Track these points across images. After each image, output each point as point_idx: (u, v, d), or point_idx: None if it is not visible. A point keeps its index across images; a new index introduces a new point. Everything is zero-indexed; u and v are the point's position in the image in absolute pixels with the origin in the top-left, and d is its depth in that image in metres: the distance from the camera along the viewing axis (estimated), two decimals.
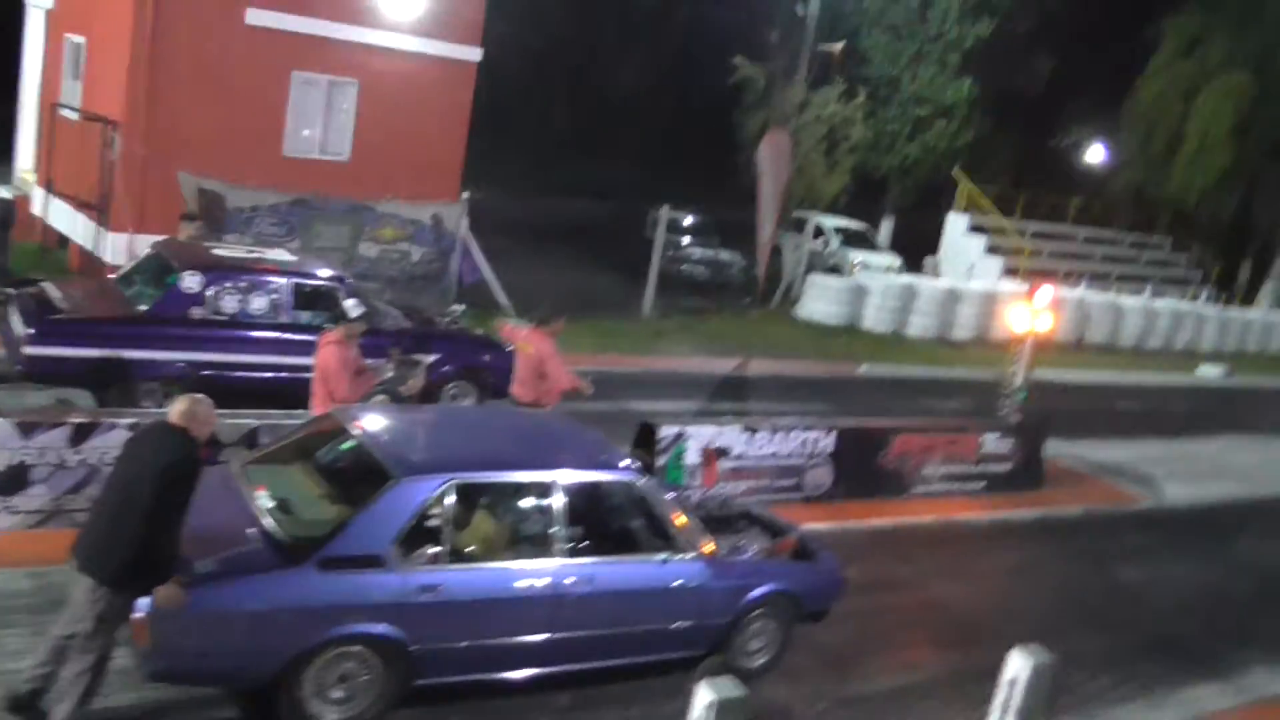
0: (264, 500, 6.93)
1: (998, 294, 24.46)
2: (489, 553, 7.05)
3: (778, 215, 22.42)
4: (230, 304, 11.10)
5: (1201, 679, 9.67)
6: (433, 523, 6.80)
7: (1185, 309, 29.25)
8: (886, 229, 31.13)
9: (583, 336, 16.71)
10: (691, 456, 11.45)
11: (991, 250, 29.46)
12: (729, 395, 15.96)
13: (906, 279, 24.45)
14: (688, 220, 25.63)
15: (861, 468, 12.64)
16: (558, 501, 7.21)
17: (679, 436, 11.40)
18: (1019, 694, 5.14)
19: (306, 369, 9.62)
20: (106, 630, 5.93)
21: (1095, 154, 38.85)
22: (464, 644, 6.80)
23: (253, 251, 12.40)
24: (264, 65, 15.86)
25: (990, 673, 6.07)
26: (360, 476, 7.05)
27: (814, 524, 10.76)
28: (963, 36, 28.89)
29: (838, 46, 26.88)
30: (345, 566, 6.42)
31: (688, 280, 23.87)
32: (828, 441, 12.38)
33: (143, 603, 5.91)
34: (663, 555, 7.53)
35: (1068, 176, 38.48)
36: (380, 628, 6.47)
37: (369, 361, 9.42)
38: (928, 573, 11.03)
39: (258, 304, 11.22)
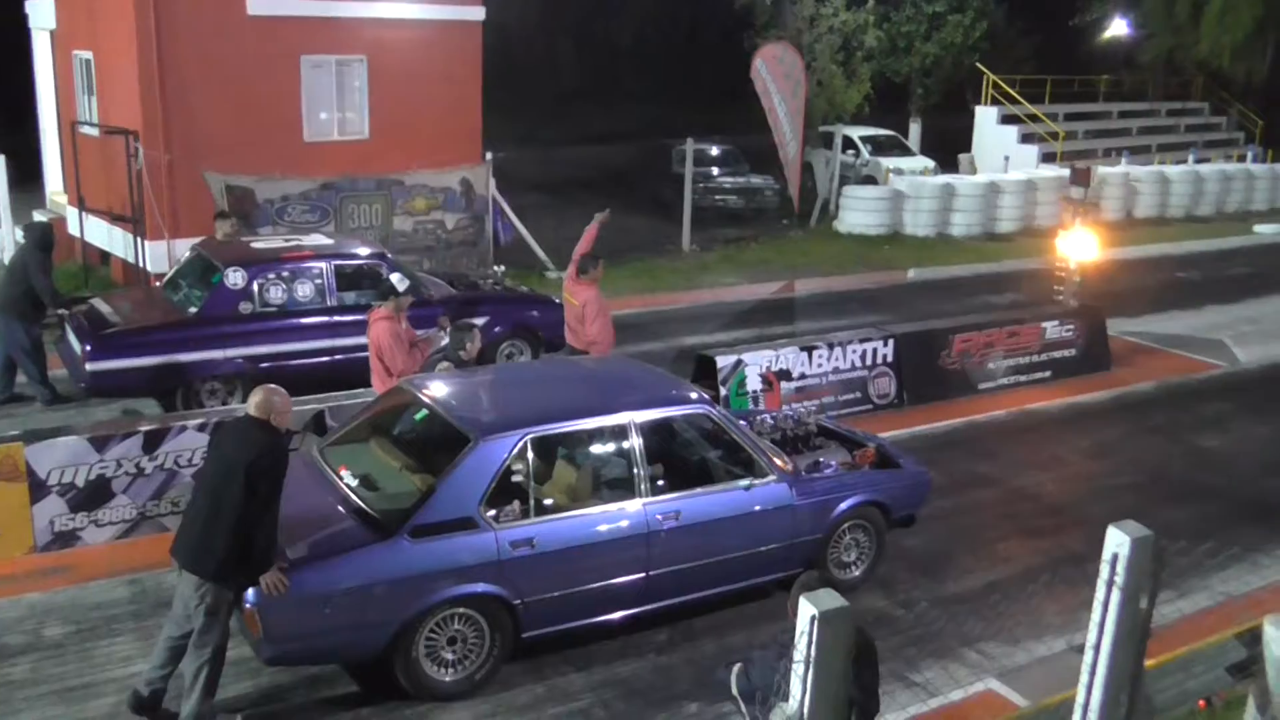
0: (348, 479, 7.00)
1: (1037, 181, 24.03)
2: (575, 501, 7.06)
3: (802, 131, 22.07)
4: (277, 294, 11.16)
5: None
6: (516, 479, 6.84)
7: (1233, 170, 28.62)
8: (915, 132, 30.61)
9: (627, 279, 16.67)
10: (753, 383, 11.41)
11: (1026, 139, 28.93)
12: (781, 318, 15.83)
13: (944, 179, 24.02)
14: (714, 151, 25.28)
15: (924, 371, 12.55)
16: (634, 442, 7.20)
17: (738, 365, 11.37)
18: (1121, 570, 4.99)
19: (361, 349, 9.67)
20: (218, 623, 6.02)
21: (1118, 29, 37.82)
22: (563, 592, 6.84)
23: (290, 240, 12.44)
24: (272, 54, 15.79)
25: (1085, 556, 5.94)
26: (438, 444, 7.09)
27: (887, 432, 10.70)
28: None
29: None
30: (437, 532, 6.46)
31: (723, 210, 23.63)
32: (886, 350, 12.30)
33: (249, 593, 6.02)
34: (745, 481, 7.50)
35: (1092, 55, 37.49)
36: (481, 587, 6.53)
37: (421, 333, 9.44)
38: (1008, 466, 10.94)
39: (303, 291, 11.28)
